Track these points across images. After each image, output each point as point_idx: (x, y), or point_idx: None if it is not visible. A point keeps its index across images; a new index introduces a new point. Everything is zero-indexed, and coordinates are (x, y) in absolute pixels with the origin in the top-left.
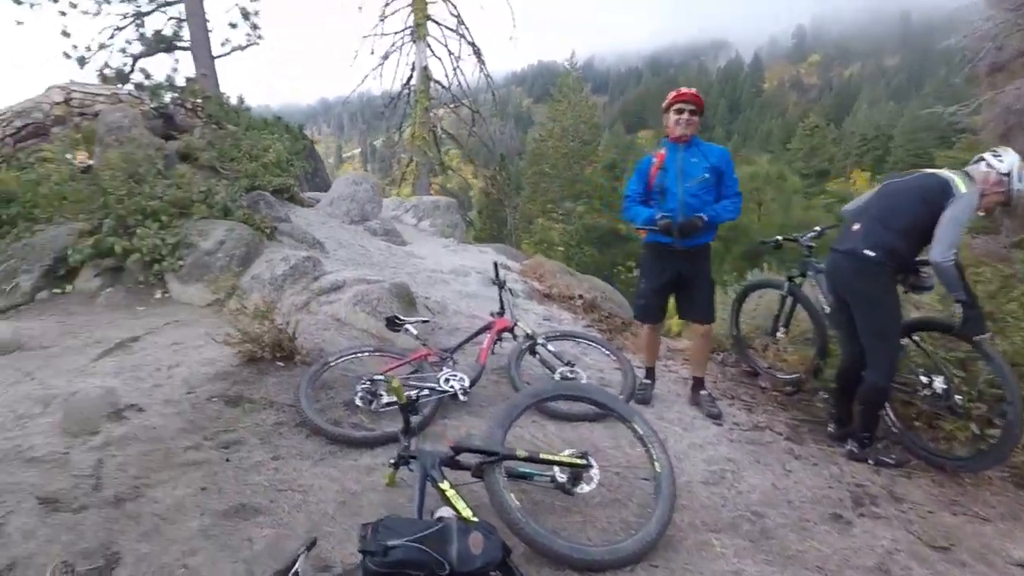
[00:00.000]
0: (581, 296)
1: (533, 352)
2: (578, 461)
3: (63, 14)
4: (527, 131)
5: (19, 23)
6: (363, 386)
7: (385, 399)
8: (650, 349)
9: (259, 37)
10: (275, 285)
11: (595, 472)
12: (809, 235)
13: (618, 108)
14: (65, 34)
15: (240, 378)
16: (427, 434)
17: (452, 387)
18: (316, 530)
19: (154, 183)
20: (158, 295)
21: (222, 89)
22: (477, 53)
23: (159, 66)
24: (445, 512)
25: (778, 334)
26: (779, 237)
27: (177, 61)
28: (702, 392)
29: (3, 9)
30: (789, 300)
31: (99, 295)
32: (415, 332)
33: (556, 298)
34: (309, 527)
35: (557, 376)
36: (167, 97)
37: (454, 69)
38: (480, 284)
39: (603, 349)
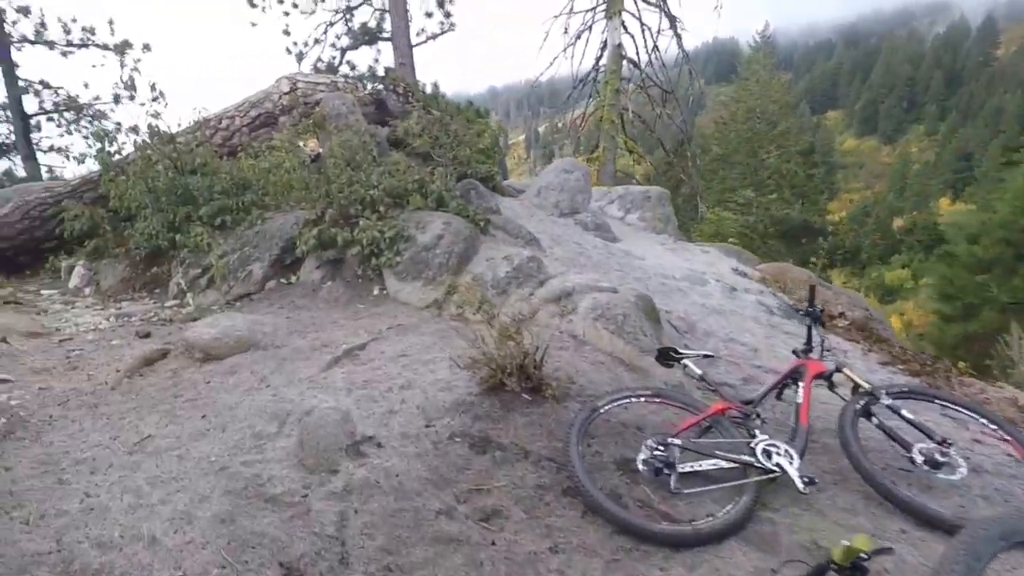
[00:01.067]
0: (843, 314)
1: (868, 414)
2: None
3: (286, 14)
4: (696, 114)
5: (253, 24)
6: (655, 451)
7: (681, 468)
8: None
9: (451, 25)
10: (498, 288)
11: None
12: None
13: (803, 87)
14: (286, 32)
15: (482, 411)
16: (746, 536)
17: (779, 466)
18: None
19: (369, 171)
20: (375, 291)
21: (417, 77)
22: (674, 26)
23: (362, 58)
24: None
25: None
26: None
27: (379, 52)
28: None
29: (241, 12)
30: None
31: (321, 288)
32: (699, 372)
33: None
34: None
35: (916, 456)
36: (377, 84)
37: (650, 48)
38: (724, 295)
39: (978, 419)
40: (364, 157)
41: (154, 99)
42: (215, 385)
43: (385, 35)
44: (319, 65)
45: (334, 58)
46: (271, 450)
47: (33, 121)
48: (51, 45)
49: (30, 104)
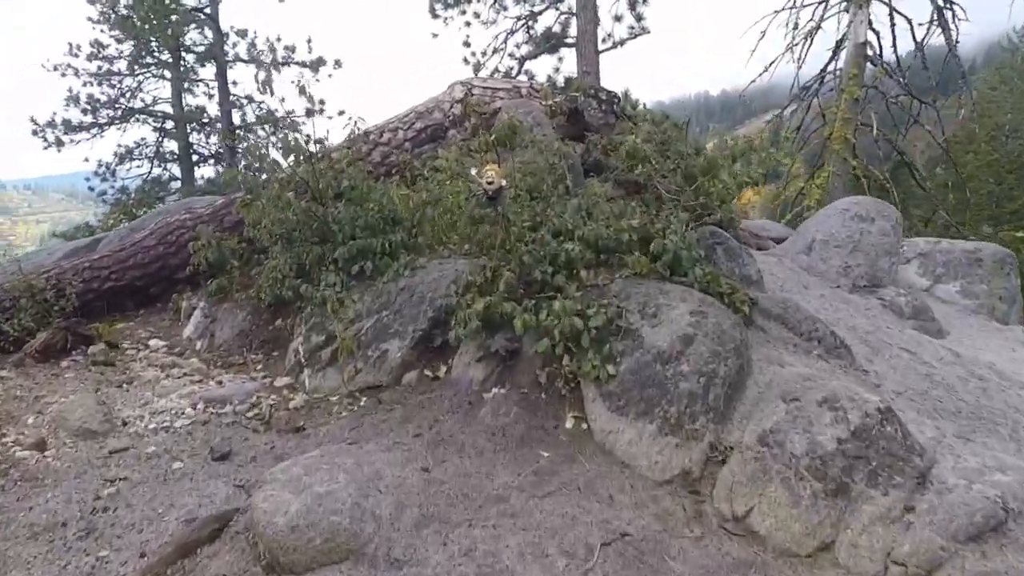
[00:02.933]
0: None
1: None
2: None
3: (468, 24)
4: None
5: (435, 35)
6: None
7: None
8: None
9: (643, 29)
10: (824, 479)
11: None
12: None
13: None
14: (466, 44)
15: None
16: None
17: None
18: None
19: (561, 209)
20: (569, 422)
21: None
22: (943, 17)
23: (541, 68)
24: None
25: None
26: None
27: (560, 60)
28: None
29: (424, 24)
30: None
31: (482, 401)
32: None
33: None
34: None
35: None
36: (573, 91)
37: (899, 46)
38: None
39: None
40: (551, 188)
41: (341, 113)
42: None
43: (569, 41)
44: (497, 75)
45: (511, 68)
46: None
47: (239, 132)
48: (260, 64)
49: (237, 117)
